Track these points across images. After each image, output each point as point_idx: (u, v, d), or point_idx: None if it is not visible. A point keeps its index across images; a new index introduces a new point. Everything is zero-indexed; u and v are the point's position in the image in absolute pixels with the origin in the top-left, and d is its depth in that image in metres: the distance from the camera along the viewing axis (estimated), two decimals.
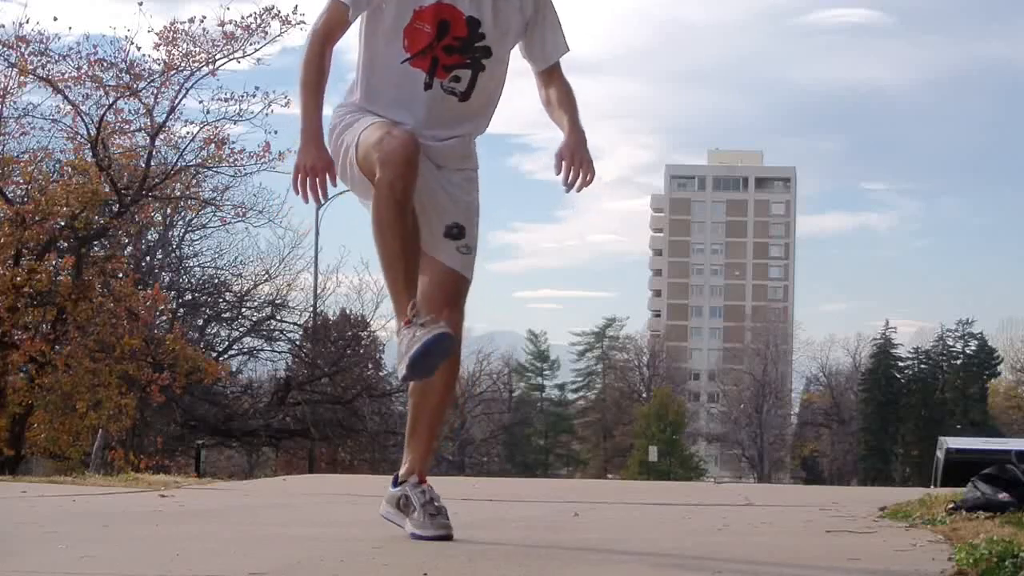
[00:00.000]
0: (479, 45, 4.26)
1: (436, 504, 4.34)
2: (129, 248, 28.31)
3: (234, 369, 34.19)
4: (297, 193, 4.17)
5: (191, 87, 22.07)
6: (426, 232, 4.32)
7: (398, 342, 4.15)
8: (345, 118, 4.35)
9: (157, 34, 21.51)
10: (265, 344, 35.39)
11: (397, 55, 4.25)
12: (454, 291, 4.38)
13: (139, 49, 23.94)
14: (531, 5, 4.38)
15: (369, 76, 4.34)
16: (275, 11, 21.84)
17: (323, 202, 4.47)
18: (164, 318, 28.98)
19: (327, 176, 4.19)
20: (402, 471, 4.48)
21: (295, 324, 35.27)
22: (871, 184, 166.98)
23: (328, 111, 4.40)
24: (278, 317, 34.70)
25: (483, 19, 4.25)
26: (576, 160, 4.31)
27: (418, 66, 4.25)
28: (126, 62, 21.74)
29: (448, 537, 4.27)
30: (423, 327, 4.06)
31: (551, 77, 4.51)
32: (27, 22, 24.04)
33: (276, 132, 22.81)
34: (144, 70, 21.76)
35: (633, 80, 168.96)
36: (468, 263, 4.41)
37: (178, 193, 25.49)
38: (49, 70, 21.41)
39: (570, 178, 4.31)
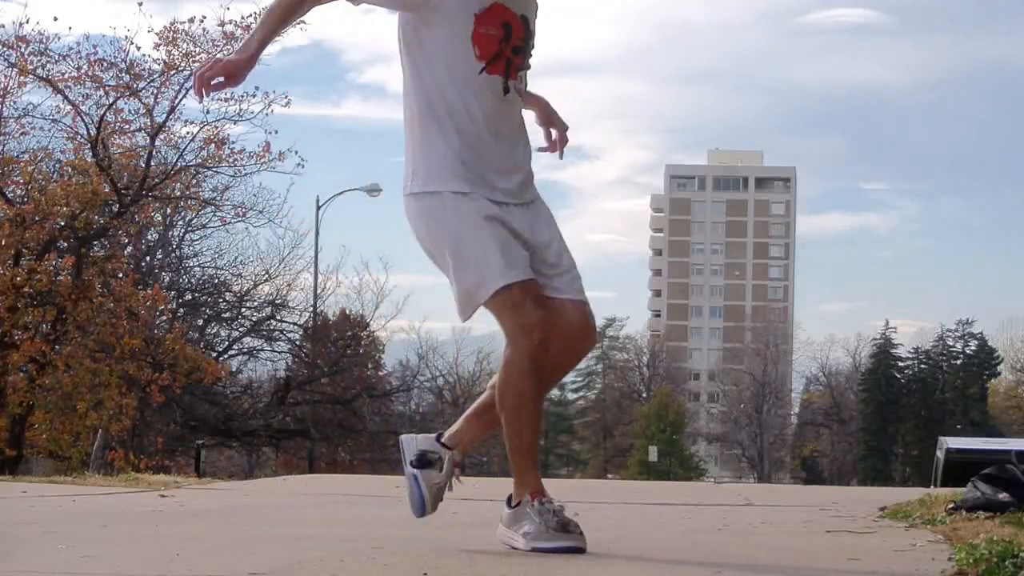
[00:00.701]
0: (532, 42, 4.16)
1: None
2: (129, 248, 28.32)
3: (234, 369, 34.20)
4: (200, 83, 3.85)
5: (191, 87, 22.08)
6: (547, 273, 4.14)
7: (525, 515, 4.01)
8: (443, 216, 4.01)
9: (157, 34, 21.56)
10: (265, 344, 35.41)
11: (472, 67, 3.99)
12: (588, 320, 4.23)
13: (139, 49, 24.00)
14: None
15: (438, 101, 4.02)
16: None
17: (204, 97, 3.91)
18: (164, 318, 29.01)
19: (226, 80, 3.85)
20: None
21: (295, 324, 35.31)
22: (871, 184, 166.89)
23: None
24: (278, 317, 34.71)
25: (528, 16, 4.13)
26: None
27: (494, 72, 4.03)
28: (126, 62, 21.80)
29: None
30: (559, 526, 3.96)
31: None
32: (27, 22, 24.08)
33: (276, 132, 22.86)
34: (144, 70, 21.81)
35: (633, 80, 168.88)
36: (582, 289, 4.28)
37: (178, 193, 25.51)
38: (49, 70, 21.46)
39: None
